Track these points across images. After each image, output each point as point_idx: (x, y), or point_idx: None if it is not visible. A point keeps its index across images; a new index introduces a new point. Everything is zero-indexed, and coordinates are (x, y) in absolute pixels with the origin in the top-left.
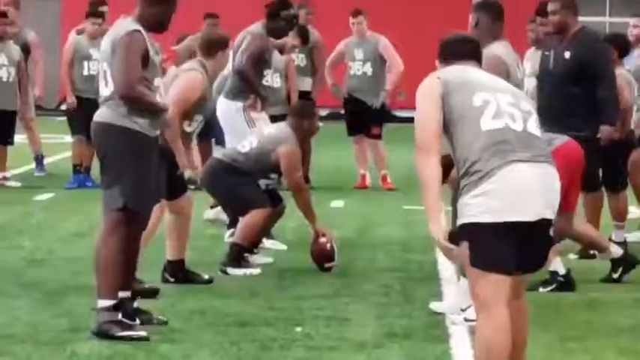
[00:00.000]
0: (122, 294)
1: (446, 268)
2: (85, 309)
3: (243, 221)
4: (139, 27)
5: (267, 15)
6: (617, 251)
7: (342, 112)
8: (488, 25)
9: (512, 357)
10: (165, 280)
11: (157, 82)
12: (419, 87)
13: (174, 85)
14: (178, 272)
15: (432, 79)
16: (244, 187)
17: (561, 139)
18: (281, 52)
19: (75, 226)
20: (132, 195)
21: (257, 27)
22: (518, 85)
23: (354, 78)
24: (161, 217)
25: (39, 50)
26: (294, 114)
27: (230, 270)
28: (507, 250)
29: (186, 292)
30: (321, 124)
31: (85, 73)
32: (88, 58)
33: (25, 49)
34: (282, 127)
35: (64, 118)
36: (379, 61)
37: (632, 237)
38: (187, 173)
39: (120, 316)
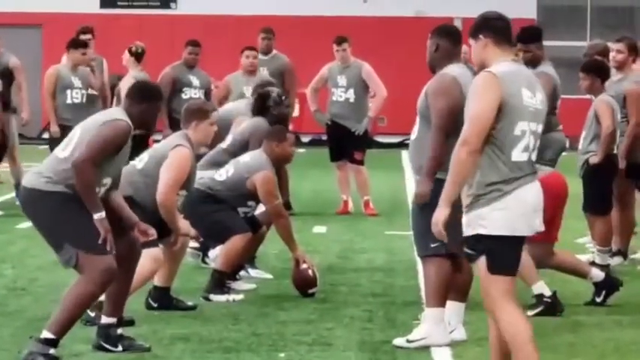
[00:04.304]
0: (108, 320)
1: None
2: (68, 337)
3: (224, 248)
4: (128, 121)
5: (261, 111)
6: (598, 275)
7: (324, 137)
8: (448, 50)
9: (504, 351)
10: (148, 306)
11: (107, 181)
12: (478, 79)
13: (166, 166)
14: (163, 298)
15: (492, 77)
16: (223, 214)
17: (544, 171)
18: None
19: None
20: (83, 244)
21: (259, 121)
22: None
23: (336, 104)
24: (155, 269)
25: (22, 74)
26: (266, 138)
27: (213, 296)
28: (516, 256)
29: (170, 318)
30: (303, 150)
31: (68, 101)
32: (71, 86)
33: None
34: (257, 155)
35: (47, 147)
36: (362, 87)
37: (613, 261)
38: (181, 241)
39: (51, 350)
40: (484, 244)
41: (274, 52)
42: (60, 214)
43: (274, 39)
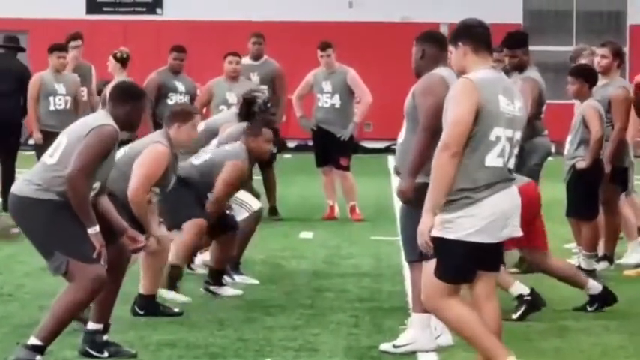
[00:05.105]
0: (94, 326)
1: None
2: (55, 343)
3: (175, 241)
4: (114, 124)
5: (247, 116)
6: (596, 287)
7: (311, 143)
8: (434, 55)
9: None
10: (135, 313)
11: (96, 185)
12: (456, 85)
13: (138, 163)
14: (149, 306)
15: (470, 83)
16: (186, 199)
17: (521, 180)
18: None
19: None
20: (73, 251)
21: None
22: None
23: (322, 110)
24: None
25: None
26: (243, 133)
27: (162, 291)
28: (472, 265)
29: (156, 324)
30: (289, 155)
31: (52, 108)
32: (54, 93)
33: None
34: (237, 145)
35: (32, 153)
36: (347, 93)
37: (598, 266)
38: (152, 243)
39: (38, 357)
40: (443, 247)
41: (265, 57)
42: (51, 222)
43: (265, 44)
